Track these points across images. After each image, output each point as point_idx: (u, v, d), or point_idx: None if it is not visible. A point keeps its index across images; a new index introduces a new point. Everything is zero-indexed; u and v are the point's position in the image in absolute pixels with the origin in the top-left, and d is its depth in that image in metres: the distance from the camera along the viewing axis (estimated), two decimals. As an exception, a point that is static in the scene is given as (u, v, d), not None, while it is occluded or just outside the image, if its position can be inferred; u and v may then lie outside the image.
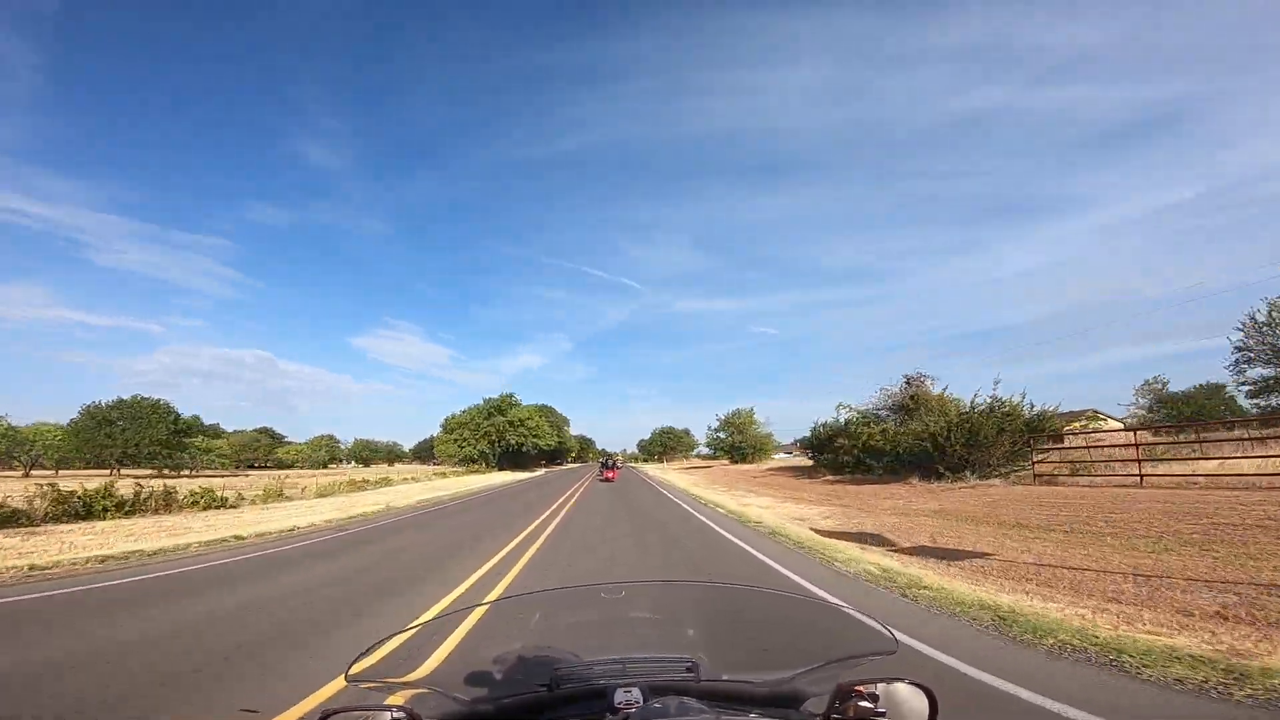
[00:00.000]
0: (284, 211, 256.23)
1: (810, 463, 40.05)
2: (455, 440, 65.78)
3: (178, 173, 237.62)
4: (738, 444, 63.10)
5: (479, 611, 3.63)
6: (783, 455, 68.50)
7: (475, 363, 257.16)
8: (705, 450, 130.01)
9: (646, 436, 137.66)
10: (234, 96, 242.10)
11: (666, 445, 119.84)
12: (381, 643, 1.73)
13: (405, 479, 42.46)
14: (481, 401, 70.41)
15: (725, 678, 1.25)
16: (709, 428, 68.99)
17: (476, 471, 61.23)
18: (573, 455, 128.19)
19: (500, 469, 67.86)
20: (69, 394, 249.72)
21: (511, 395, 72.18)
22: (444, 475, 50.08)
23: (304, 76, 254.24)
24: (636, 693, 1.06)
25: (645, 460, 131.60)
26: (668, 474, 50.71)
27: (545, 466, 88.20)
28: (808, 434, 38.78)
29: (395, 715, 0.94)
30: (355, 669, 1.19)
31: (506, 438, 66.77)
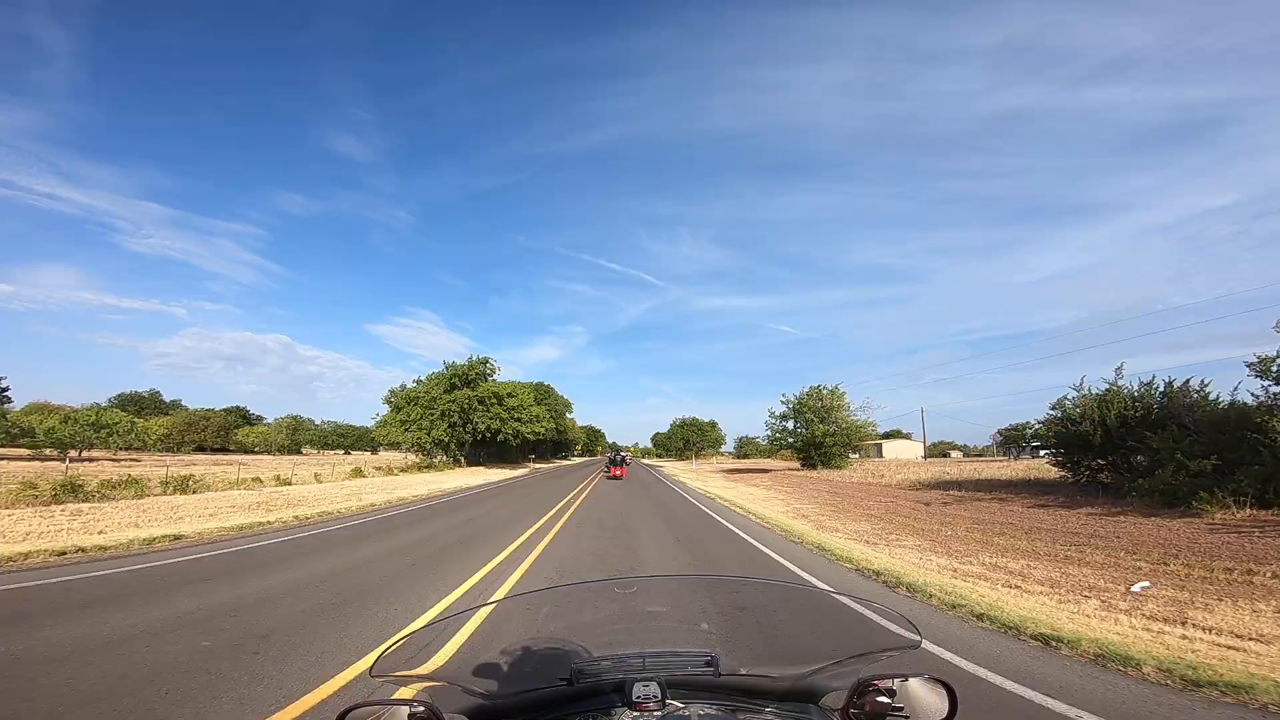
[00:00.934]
0: (309, 200, 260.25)
1: (1054, 471, 19.91)
2: (401, 422, 43.65)
3: (207, 161, 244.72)
4: (818, 439, 41.15)
5: (490, 608, 3.62)
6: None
7: (495, 352, 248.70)
8: (729, 448, 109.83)
9: (664, 429, 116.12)
10: (264, 89, 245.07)
11: (689, 440, 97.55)
12: (401, 639, 1.41)
13: (272, 481, 23.07)
14: (444, 367, 46.75)
15: (744, 671, 1.22)
16: (770, 414, 46.88)
17: (433, 468, 41.26)
18: (579, 448, 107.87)
19: (473, 464, 47.75)
20: (98, 376, 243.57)
21: (487, 361, 48.66)
22: (359, 474, 30.53)
23: (333, 70, 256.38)
24: (655, 687, 1.01)
25: (660, 457, 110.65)
26: (709, 483, 29.02)
27: (536, 461, 68.59)
28: (1053, 418, 19.05)
29: (414, 710, 0.91)
30: (376, 664, 1.14)
31: (474, 420, 43.83)
